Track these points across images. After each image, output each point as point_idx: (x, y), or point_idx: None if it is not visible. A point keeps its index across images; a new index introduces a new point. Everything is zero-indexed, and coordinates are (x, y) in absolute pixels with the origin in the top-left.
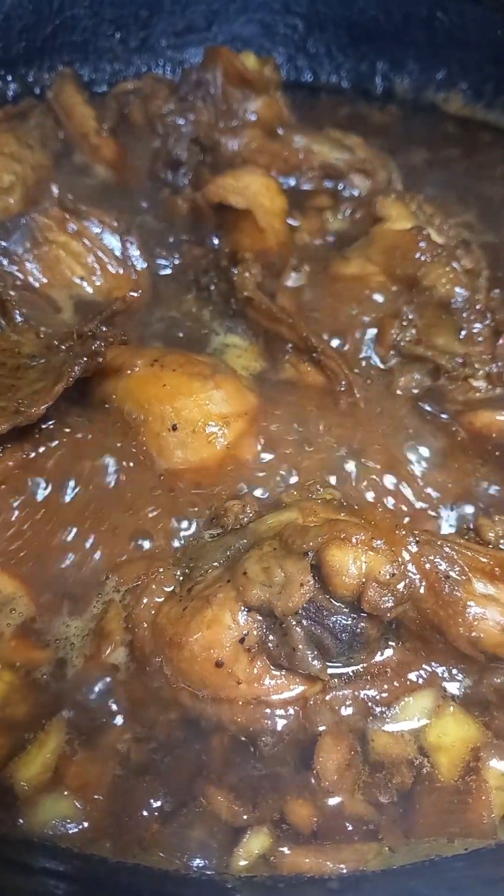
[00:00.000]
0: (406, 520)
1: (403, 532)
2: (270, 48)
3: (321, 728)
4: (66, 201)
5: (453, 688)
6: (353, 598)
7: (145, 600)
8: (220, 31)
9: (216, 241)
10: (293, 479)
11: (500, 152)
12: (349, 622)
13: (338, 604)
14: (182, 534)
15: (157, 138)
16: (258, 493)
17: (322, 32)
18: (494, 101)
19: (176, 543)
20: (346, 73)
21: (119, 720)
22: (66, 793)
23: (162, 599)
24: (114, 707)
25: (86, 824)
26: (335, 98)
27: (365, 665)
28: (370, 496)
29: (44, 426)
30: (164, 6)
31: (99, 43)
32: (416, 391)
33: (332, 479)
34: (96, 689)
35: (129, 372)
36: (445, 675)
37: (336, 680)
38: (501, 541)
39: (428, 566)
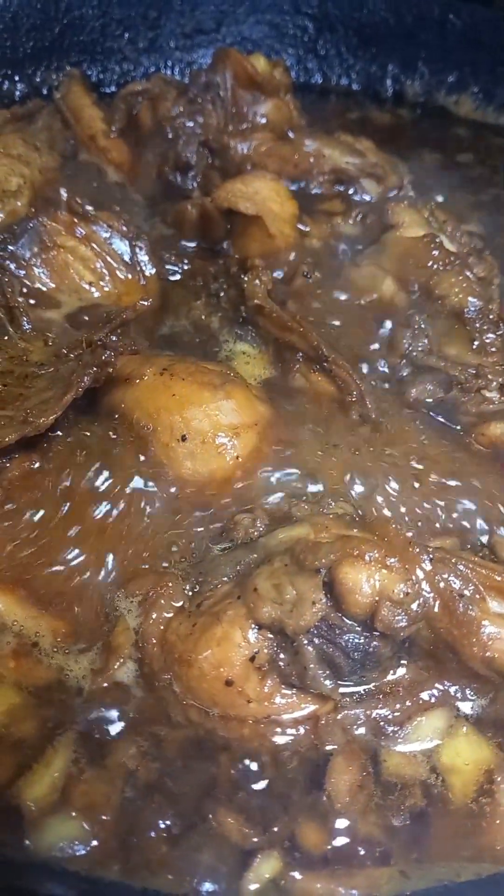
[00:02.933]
0: (418, 535)
1: (417, 550)
2: (280, 50)
3: (333, 748)
4: (75, 205)
5: (467, 708)
6: (366, 617)
7: (154, 615)
8: (228, 33)
9: (226, 247)
10: (304, 492)
11: None
12: (362, 641)
13: (350, 622)
14: (191, 547)
15: (165, 141)
16: (269, 506)
17: (332, 34)
18: None
19: (185, 557)
20: (356, 76)
21: (127, 738)
22: (73, 813)
23: (171, 615)
24: (122, 724)
25: (93, 846)
26: (345, 101)
27: (377, 684)
28: (382, 510)
29: (51, 435)
30: (173, 7)
31: (107, 43)
32: (428, 402)
33: (344, 492)
34: (104, 705)
35: (137, 381)
36: (459, 694)
37: (348, 699)
38: None
39: (442, 585)
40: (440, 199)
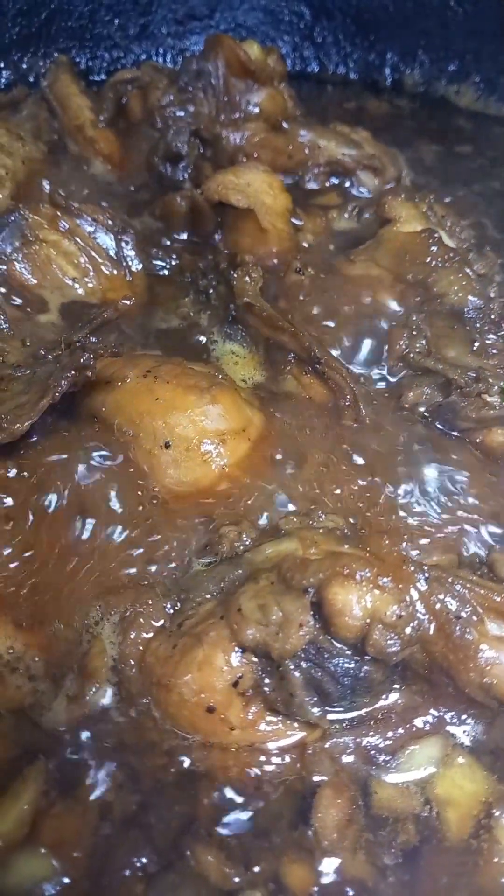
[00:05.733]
0: (412, 550)
1: (412, 568)
2: (275, 37)
3: (320, 779)
4: (58, 198)
5: (463, 735)
6: (357, 641)
7: (132, 635)
8: (222, 19)
9: (216, 242)
10: (293, 504)
11: None
12: (352, 666)
13: (340, 646)
14: (173, 562)
15: (155, 131)
16: (255, 518)
17: (329, 21)
18: None
19: (167, 572)
20: (354, 64)
21: (102, 768)
22: (42, 850)
23: (150, 635)
24: (97, 753)
25: (64, 885)
26: (342, 90)
27: (368, 710)
28: (376, 523)
29: (27, 441)
30: None
31: (96, 29)
32: (425, 407)
33: (335, 505)
34: (78, 733)
35: (119, 384)
36: (455, 721)
37: (336, 726)
38: None
39: (438, 606)
40: (439, 192)
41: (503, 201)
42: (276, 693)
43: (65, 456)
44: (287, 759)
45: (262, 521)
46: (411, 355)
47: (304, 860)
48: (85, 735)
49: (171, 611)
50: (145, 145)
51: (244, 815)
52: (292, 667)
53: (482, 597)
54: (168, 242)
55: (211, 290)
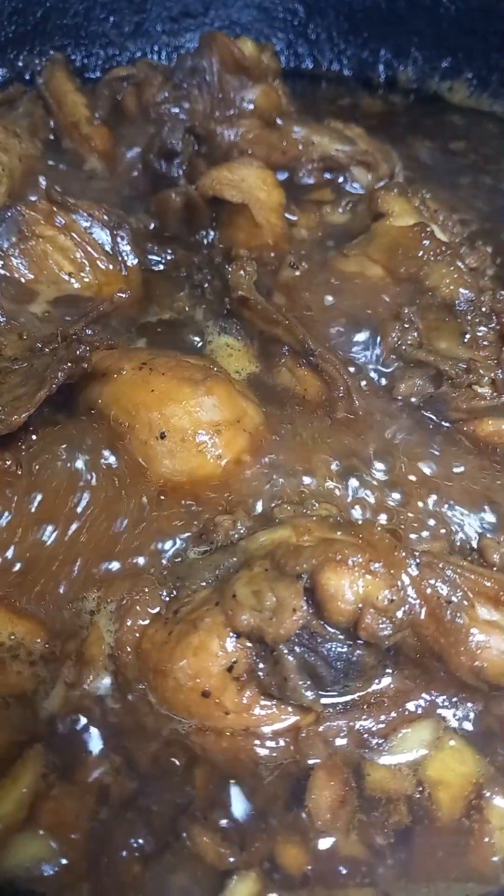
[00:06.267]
0: (404, 537)
1: (403, 554)
2: (269, 34)
3: (314, 761)
4: (54, 193)
5: (454, 719)
6: (349, 625)
7: (129, 622)
8: (217, 16)
9: (211, 237)
10: (287, 493)
11: None
12: (344, 650)
13: (332, 630)
14: (169, 550)
15: (150, 128)
16: (250, 507)
17: (323, 18)
18: (501, 91)
19: (163, 561)
20: (347, 61)
21: (99, 752)
22: (41, 832)
23: (147, 622)
24: (94, 738)
25: (62, 866)
26: (336, 87)
27: (361, 694)
28: (368, 510)
29: (25, 433)
30: None
31: (91, 27)
32: (417, 398)
33: (329, 493)
34: (76, 718)
35: (115, 376)
36: (446, 704)
37: (330, 710)
38: None
39: (429, 591)
40: (433, 187)
41: (495, 196)
42: (270, 677)
43: (62, 447)
44: (281, 742)
45: (257, 509)
46: (403, 347)
47: (298, 841)
48: (83, 720)
49: (167, 598)
50: (140, 142)
51: (239, 798)
52: (286, 651)
53: (473, 582)
54: (163, 238)
55: (206, 285)
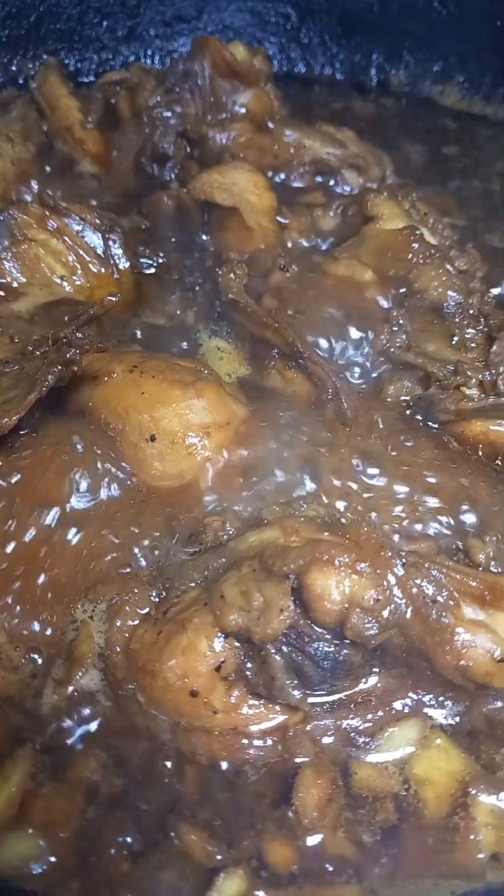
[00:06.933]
0: (393, 538)
1: (389, 554)
2: (262, 38)
3: (301, 760)
4: (46, 197)
5: (441, 717)
6: (336, 625)
7: (118, 623)
8: (209, 21)
9: (203, 240)
10: (276, 494)
11: (499, 147)
12: (331, 649)
13: (319, 630)
14: (159, 551)
15: (143, 131)
16: (239, 508)
17: (315, 22)
18: (493, 94)
19: (152, 562)
20: (340, 65)
21: (89, 751)
22: (30, 830)
23: (136, 622)
24: (84, 737)
25: (51, 864)
26: (329, 91)
27: (348, 693)
28: (356, 511)
29: (16, 436)
30: None
31: (85, 32)
32: (405, 400)
33: (317, 495)
34: (65, 717)
35: (106, 379)
36: (433, 703)
37: (317, 709)
38: (493, 563)
39: (415, 590)
40: (424, 190)
41: (486, 200)
42: (258, 677)
43: (52, 450)
44: (269, 741)
45: (246, 510)
46: (392, 350)
47: (285, 838)
48: (72, 719)
49: (157, 599)
50: (133, 146)
51: (227, 797)
52: (273, 651)
53: (458, 582)
54: (155, 241)
55: (197, 288)
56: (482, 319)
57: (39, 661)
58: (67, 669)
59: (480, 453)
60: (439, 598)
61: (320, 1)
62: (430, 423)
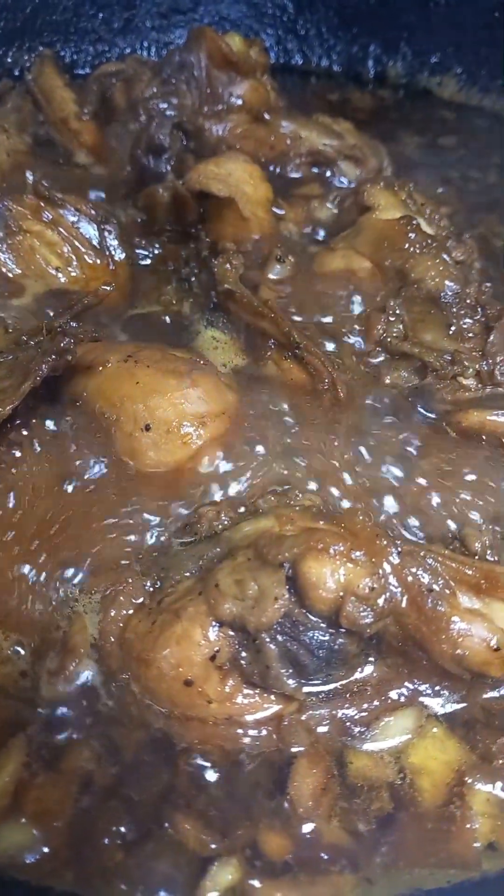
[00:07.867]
0: (388, 527)
1: (385, 542)
2: (259, 30)
3: (296, 749)
4: (42, 188)
5: (437, 706)
6: (331, 613)
7: (112, 613)
8: (206, 12)
9: (199, 231)
10: (271, 484)
11: (497, 139)
12: (326, 638)
13: (314, 619)
14: (153, 541)
15: (139, 123)
16: (234, 497)
17: (312, 13)
18: (490, 86)
19: (147, 552)
20: (337, 57)
21: (83, 741)
22: (23, 820)
23: (131, 612)
24: (78, 727)
25: (44, 854)
26: (326, 82)
27: (343, 682)
28: (352, 501)
29: (10, 426)
30: None
31: (81, 23)
32: (402, 389)
33: (312, 484)
34: (59, 707)
35: (101, 368)
36: (428, 692)
37: (312, 698)
38: (489, 551)
39: (410, 579)
40: (421, 181)
41: (484, 190)
42: (252, 666)
43: (47, 439)
44: (264, 731)
45: (241, 500)
46: (388, 339)
47: (280, 828)
48: (66, 709)
49: (151, 589)
50: (129, 137)
51: (222, 786)
52: (268, 640)
53: (454, 570)
54: (151, 232)
55: (193, 278)
56: (479, 309)
57: (33, 651)
58: (61, 660)
59: (484, 441)
60: (435, 586)
61: None
62: (427, 413)
